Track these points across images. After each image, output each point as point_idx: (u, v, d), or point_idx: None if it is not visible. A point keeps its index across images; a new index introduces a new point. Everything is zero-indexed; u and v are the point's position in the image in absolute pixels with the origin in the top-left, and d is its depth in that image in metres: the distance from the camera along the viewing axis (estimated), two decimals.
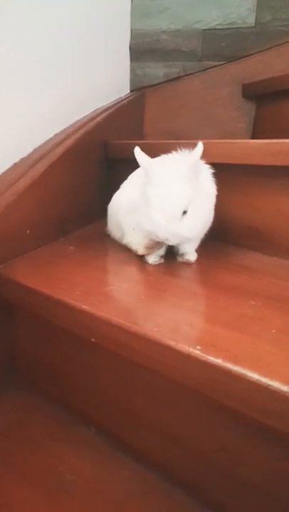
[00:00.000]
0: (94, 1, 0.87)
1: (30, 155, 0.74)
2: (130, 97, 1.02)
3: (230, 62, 1.05)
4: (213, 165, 0.64)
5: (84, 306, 0.49)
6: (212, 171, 0.63)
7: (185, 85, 1.07)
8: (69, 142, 0.78)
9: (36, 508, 0.47)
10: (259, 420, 0.36)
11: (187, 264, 0.65)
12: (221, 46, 1.04)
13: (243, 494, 0.44)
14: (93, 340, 0.49)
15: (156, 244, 0.63)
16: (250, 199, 0.70)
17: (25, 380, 0.69)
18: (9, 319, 0.67)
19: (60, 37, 0.78)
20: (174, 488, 0.49)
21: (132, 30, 1.05)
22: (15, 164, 0.72)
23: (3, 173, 0.70)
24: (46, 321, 0.56)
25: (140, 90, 1.07)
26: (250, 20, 1.02)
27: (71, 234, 0.81)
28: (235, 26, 1.03)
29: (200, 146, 0.57)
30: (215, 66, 1.06)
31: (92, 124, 0.86)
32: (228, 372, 0.37)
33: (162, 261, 0.65)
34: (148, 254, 0.64)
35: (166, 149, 0.63)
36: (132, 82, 1.08)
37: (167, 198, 0.55)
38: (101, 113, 0.91)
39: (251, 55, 1.04)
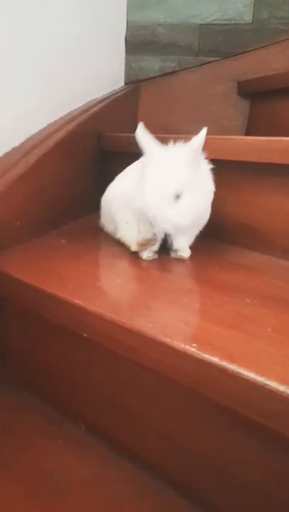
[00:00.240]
0: None
1: (22, 144, 0.72)
2: (125, 90, 1.00)
3: (227, 58, 1.04)
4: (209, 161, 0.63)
5: (76, 301, 0.48)
6: (211, 166, 0.63)
7: (180, 80, 1.06)
8: (62, 133, 0.76)
9: (25, 508, 0.46)
10: (255, 420, 0.35)
11: (181, 260, 0.64)
12: (218, 42, 1.03)
13: (238, 494, 0.43)
14: (85, 335, 0.48)
15: (148, 242, 0.62)
16: (245, 196, 0.70)
17: (16, 376, 0.67)
18: None
19: (54, 27, 0.76)
20: (167, 488, 0.48)
21: (127, 22, 1.03)
22: (6, 153, 0.70)
23: None
24: (38, 315, 0.55)
25: (135, 83, 1.05)
26: (248, 17, 1.01)
27: (63, 227, 0.79)
28: (232, 22, 1.02)
29: (204, 131, 0.57)
30: (211, 62, 1.05)
31: (86, 115, 0.84)
32: (224, 371, 0.36)
33: (156, 256, 0.64)
34: (141, 251, 0.63)
35: (160, 143, 0.62)
36: (127, 74, 1.06)
37: (162, 177, 0.55)
38: (95, 105, 0.89)
39: (248, 52, 1.03)
